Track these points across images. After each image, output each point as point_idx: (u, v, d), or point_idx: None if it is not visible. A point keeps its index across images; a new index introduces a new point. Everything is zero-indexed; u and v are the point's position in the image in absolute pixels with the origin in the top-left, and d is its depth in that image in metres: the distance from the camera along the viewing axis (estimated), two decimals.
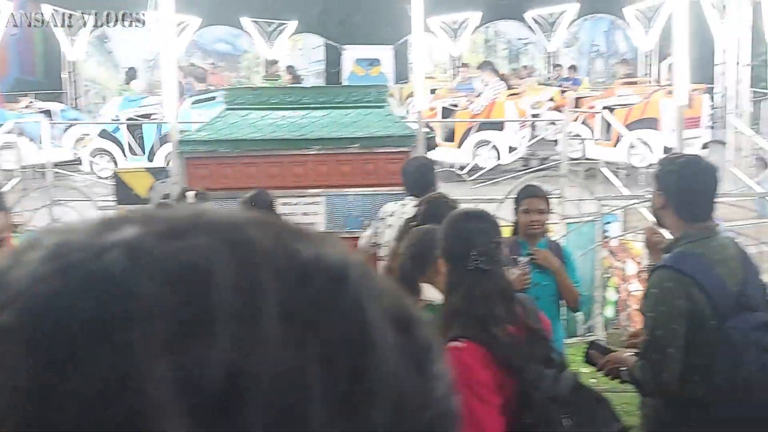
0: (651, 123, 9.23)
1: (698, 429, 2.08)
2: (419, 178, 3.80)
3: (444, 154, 9.25)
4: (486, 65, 11.01)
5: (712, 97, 10.90)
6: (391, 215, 3.79)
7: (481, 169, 9.15)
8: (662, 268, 2.20)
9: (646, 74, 13.95)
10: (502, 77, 10.80)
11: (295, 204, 4.94)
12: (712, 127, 10.66)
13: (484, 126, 9.73)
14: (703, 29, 10.58)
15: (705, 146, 9.67)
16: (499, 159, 9.56)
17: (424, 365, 0.32)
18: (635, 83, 11.47)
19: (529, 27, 15.77)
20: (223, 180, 4.95)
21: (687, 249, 2.22)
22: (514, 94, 10.57)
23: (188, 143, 5.22)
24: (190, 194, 3.85)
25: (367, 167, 5.03)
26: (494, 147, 9.63)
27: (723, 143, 10.20)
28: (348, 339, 0.30)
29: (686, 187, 2.26)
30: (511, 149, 9.75)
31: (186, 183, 4.79)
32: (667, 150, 8.73)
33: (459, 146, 9.77)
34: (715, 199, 2.54)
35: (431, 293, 2.11)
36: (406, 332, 0.32)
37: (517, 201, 3.27)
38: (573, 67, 13.92)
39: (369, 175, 5.01)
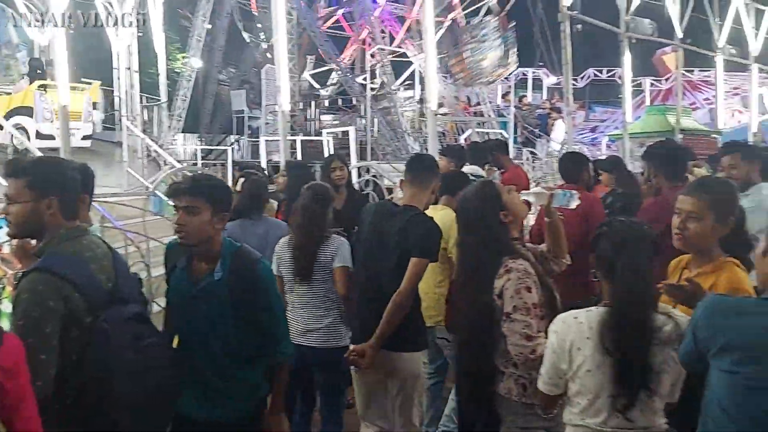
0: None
1: None
2: None
3: None
4: None
5: (113, 100, 11.32)
6: None
7: None
8: (33, 272, 2.11)
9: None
10: None
11: None
12: (108, 128, 11.08)
13: None
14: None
15: (85, 138, 10.27)
16: None
17: None
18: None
19: None
20: None
21: (59, 249, 2.20)
22: None
23: None
24: None
25: None
26: None
27: (120, 144, 10.69)
28: None
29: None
30: None
31: None
32: (40, 135, 9.39)
33: None
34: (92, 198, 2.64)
35: None
36: None
37: None
38: None
39: None
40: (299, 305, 3.76)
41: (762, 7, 15.84)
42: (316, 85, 19.88)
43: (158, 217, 8.23)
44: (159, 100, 11.84)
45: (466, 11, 19.64)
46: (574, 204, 2.82)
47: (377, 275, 3.28)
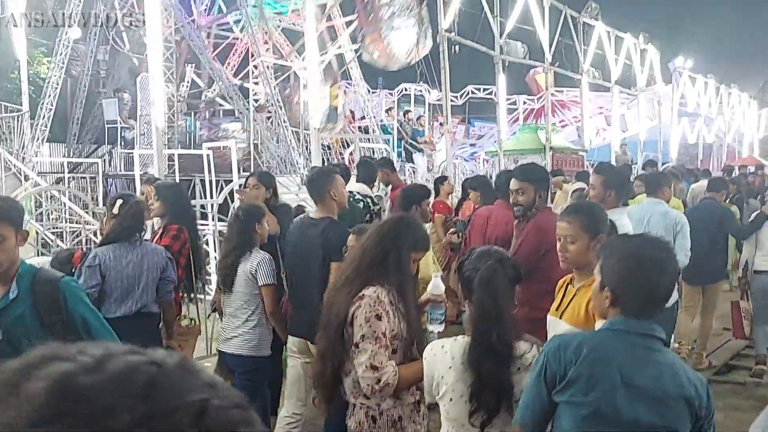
0: None
1: None
2: None
3: None
4: None
5: None
6: None
7: None
8: None
9: None
10: None
11: None
12: None
13: None
14: None
15: None
16: None
17: None
18: None
19: None
20: None
21: None
22: None
23: None
24: None
25: None
26: None
27: None
28: None
29: None
30: None
31: None
32: None
33: None
34: None
35: None
36: None
37: None
38: None
39: None
40: (226, 314, 4.21)
41: (621, 35, 17.22)
42: (204, 87, 19.19)
43: None
44: (20, 109, 10.95)
45: None
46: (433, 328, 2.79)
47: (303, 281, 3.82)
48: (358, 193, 6.31)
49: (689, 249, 5.33)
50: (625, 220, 4.47)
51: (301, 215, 4.63)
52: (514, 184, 4.19)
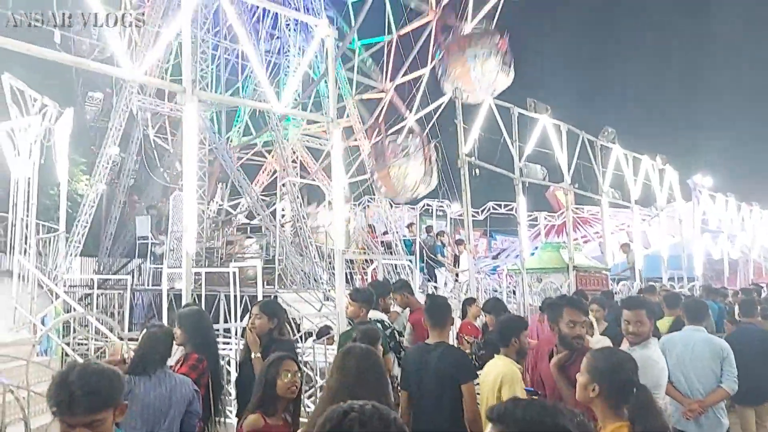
0: None
1: None
2: None
3: None
4: None
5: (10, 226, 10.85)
6: None
7: None
8: None
9: None
10: None
11: None
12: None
13: None
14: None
15: None
16: None
17: None
18: None
19: None
20: None
21: None
22: None
23: None
24: None
25: None
26: None
27: (10, 272, 10.13)
28: None
29: None
30: None
31: None
32: None
33: None
34: None
35: None
36: None
37: None
38: None
39: None
40: None
41: (639, 156, 17.64)
42: (232, 211, 19.87)
43: (46, 358, 7.74)
44: (56, 229, 11.42)
45: (390, 132, 20.58)
46: None
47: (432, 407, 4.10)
48: (375, 320, 6.38)
49: (736, 375, 5.43)
50: (658, 352, 4.49)
51: (418, 344, 4.85)
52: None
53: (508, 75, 17.95)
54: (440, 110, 19.48)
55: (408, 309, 7.78)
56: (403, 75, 20.86)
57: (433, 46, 20.57)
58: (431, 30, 20.65)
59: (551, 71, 46.35)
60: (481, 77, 17.14)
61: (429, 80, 21.53)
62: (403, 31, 21.55)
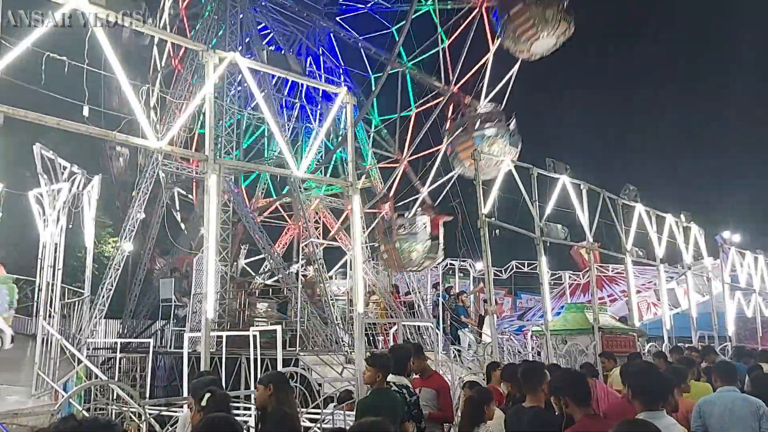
0: None
1: None
2: None
3: None
4: None
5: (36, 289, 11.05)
6: None
7: None
8: None
9: None
10: None
11: None
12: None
13: None
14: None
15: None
16: None
17: None
18: None
19: None
20: None
21: None
22: None
23: None
24: None
25: None
26: None
27: (34, 336, 10.26)
28: None
29: None
30: None
31: None
32: None
33: None
34: None
35: None
36: None
37: None
38: None
39: None
40: None
41: (662, 215, 17.47)
42: (252, 272, 20.03)
43: None
44: (82, 293, 11.59)
45: (398, 204, 20.77)
46: None
47: None
48: (394, 384, 6.27)
49: None
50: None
51: (516, 407, 5.12)
52: None
53: (516, 155, 18.28)
54: (457, 174, 19.69)
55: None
56: (416, 151, 21.22)
57: (447, 122, 20.96)
58: (442, 106, 21.03)
59: (570, 130, 46.66)
60: (489, 159, 17.46)
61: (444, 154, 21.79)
62: (419, 109, 22.04)
